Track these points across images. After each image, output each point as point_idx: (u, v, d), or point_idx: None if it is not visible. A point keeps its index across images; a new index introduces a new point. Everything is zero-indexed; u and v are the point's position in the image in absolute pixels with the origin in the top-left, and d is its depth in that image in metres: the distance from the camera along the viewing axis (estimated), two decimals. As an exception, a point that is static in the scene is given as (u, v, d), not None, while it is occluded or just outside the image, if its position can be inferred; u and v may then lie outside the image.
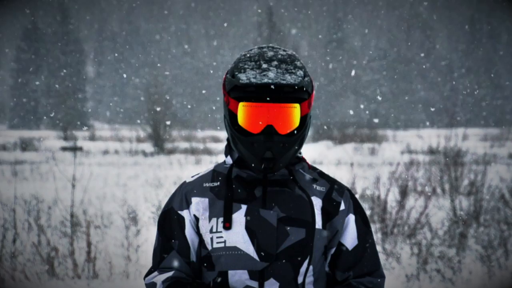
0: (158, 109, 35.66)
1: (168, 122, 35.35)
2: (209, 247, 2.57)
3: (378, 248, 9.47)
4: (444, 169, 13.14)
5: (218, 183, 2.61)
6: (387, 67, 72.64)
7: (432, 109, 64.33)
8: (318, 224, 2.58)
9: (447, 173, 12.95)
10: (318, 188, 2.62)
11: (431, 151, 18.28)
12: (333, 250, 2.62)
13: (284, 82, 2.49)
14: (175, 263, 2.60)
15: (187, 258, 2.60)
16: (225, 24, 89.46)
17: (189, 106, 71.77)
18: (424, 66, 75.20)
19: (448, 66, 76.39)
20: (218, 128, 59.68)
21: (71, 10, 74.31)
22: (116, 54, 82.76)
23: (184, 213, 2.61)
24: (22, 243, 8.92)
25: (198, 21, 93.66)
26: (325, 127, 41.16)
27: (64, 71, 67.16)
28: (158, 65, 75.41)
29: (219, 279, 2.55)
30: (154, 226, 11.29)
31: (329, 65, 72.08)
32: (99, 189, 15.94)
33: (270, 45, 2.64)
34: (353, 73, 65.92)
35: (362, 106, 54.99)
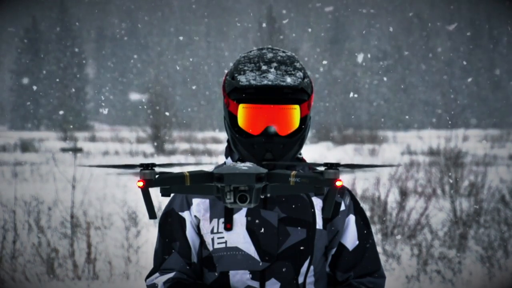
0: (158, 109, 35.65)
1: (168, 123, 35.35)
2: (210, 248, 2.57)
3: (378, 249, 9.47)
4: (444, 170, 13.14)
5: (219, 184, 2.61)
6: (388, 67, 72.62)
7: (433, 112, 64.33)
8: (319, 224, 2.58)
9: (447, 174, 12.94)
10: (318, 188, 2.62)
11: (431, 152, 18.28)
12: (333, 251, 2.62)
13: (284, 83, 2.50)
14: (176, 264, 2.60)
15: (188, 259, 2.60)
16: (225, 26, 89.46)
17: (189, 108, 71.77)
18: (424, 67, 75.19)
19: (449, 67, 76.38)
20: (218, 129, 59.67)
21: (71, 10, 74.31)
22: (116, 55, 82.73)
23: (185, 214, 2.62)
24: (22, 244, 8.92)
25: (199, 22, 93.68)
26: (323, 131, 41.15)
27: (64, 72, 67.14)
28: (158, 66, 75.40)
29: (220, 280, 2.56)
30: (154, 227, 11.28)
31: (329, 66, 72.05)
32: (99, 190, 15.95)
33: (270, 46, 2.64)
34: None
35: (362, 107, 54.96)
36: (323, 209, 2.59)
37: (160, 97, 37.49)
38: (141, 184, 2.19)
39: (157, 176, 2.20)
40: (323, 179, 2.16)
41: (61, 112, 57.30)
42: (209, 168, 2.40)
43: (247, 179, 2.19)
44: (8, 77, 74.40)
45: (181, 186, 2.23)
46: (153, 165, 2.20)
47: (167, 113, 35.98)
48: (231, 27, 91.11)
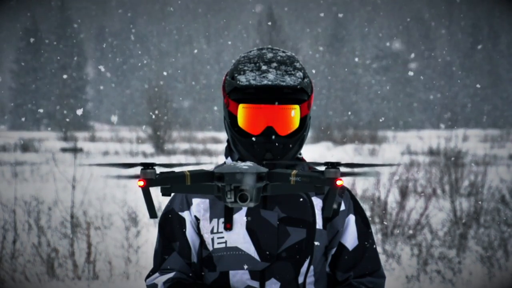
0: (158, 110, 35.64)
1: (168, 123, 35.34)
2: (210, 248, 2.57)
3: (379, 249, 9.47)
4: (444, 170, 13.14)
5: (219, 184, 2.61)
6: (388, 67, 72.60)
7: (432, 111, 64.30)
8: (319, 224, 2.58)
9: (447, 174, 12.95)
10: (318, 188, 2.62)
11: (431, 152, 18.30)
12: (333, 251, 2.62)
13: (284, 83, 2.50)
14: (176, 264, 2.60)
15: (188, 259, 2.60)
16: (225, 25, 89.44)
17: (190, 107, 71.75)
18: (424, 67, 75.18)
19: (449, 67, 76.37)
20: (218, 129, 59.66)
21: (72, 11, 74.28)
22: (116, 55, 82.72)
23: (185, 214, 2.62)
24: (22, 244, 8.92)
25: (199, 22, 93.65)
26: (322, 127, 41.12)
27: (65, 72, 67.14)
28: (159, 66, 75.39)
29: (220, 280, 2.55)
30: (154, 227, 11.28)
31: (329, 65, 72.05)
32: (99, 190, 15.94)
33: (269, 46, 2.64)
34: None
35: (362, 107, 54.92)
36: (323, 209, 2.59)
37: (159, 98, 37.46)
38: (141, 183, 2.19)
39: (157, 175, 2.21)
40: (323, 178, 2.16)
41: (61, 112, 57.24)
42: (209, 167, 2.40)
43: (248, 178, 2.19)
44: (8, 77, 74.39)
45: (181, 185, 2.23)
46: (154, 164, 2.20)
47: (167, 113, 35.96)
48: (231, 26, 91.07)
